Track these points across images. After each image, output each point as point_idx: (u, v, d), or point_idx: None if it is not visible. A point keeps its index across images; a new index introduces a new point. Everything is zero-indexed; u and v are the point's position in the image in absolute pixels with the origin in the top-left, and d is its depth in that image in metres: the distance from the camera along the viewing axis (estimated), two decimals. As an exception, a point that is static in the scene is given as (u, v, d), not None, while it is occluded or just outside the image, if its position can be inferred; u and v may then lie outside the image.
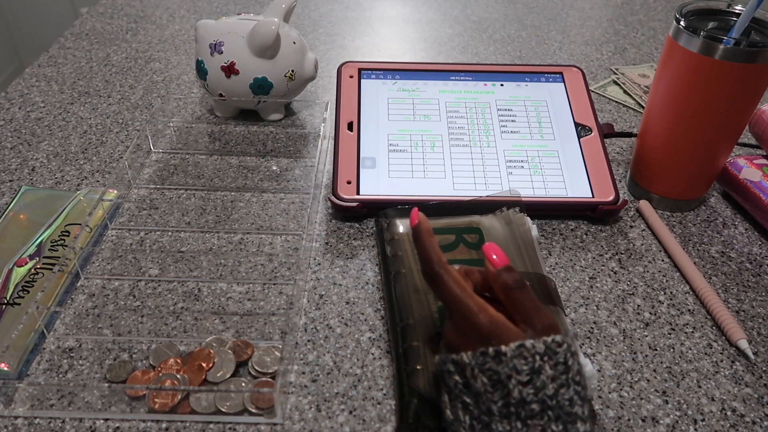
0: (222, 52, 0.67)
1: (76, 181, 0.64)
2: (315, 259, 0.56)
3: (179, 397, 0.43)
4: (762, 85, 0.54)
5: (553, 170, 0.62)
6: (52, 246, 0.55)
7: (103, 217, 0.58)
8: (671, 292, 0.54)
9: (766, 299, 0.53)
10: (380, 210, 0.56)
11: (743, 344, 0.48)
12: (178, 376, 0.44)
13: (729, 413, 0.44)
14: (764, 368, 0.47)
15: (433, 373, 0.42)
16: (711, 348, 0.49)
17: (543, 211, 0.60)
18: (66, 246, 0.55)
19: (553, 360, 0.36)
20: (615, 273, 0.55)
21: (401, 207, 0.56)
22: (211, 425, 0.42)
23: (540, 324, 0.37)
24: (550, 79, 0.70)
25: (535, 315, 0.38)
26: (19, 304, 0.49)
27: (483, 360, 0.36)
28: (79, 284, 0.52)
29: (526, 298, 0.38)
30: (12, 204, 0.59)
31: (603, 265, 0.56)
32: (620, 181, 0.66)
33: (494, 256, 0.40)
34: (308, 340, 0.48)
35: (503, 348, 0.36)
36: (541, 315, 0.38)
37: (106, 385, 0.43)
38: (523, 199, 0.58)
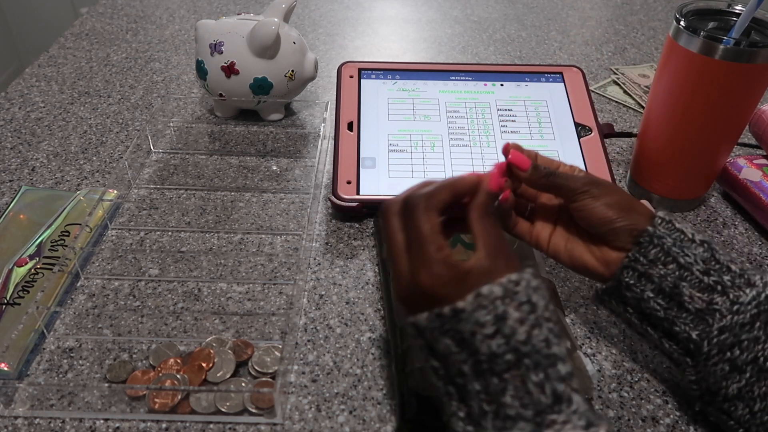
0: (222, 52, 0.67)
1: (76, 181, 0.64)
2: (315, 259, 0.56)
3: (179, 397, 0.43)
4: (762, 85, 0.54)
5: (553, 170, 0.62)
6: (52, 246, 0.55)
7: (103, 217, 0.58)
8: (671, 292, 0.54)
9: (766, 299, 0.53)
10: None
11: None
12: (178, 376, 0.44)
13: (729, 413, 0.44)
14: (764, 368, 0.47)
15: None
16: (711, 348, 0.49)
17: (543, 211, 0.60)
18: (66, 246, 0.55)
19: (515, 301, 0.32)
20: (615, 273, 0.55)
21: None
22: (211, 425, 0.42)
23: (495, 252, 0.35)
24: (550, 79, 0.70)
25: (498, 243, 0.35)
26: (19, 304, 0.49)
27: (440, 322, 0.33)
28: (79, 284, 0.52)
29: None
30: (12, 204, 0.59)
31: (603, 265, 0.56)
32: (620, 181, 0.66)
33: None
34: (308, 340, 0.48)
35: (459, 304, 0.32)
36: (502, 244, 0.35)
37: (106, 385, 0.43)
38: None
